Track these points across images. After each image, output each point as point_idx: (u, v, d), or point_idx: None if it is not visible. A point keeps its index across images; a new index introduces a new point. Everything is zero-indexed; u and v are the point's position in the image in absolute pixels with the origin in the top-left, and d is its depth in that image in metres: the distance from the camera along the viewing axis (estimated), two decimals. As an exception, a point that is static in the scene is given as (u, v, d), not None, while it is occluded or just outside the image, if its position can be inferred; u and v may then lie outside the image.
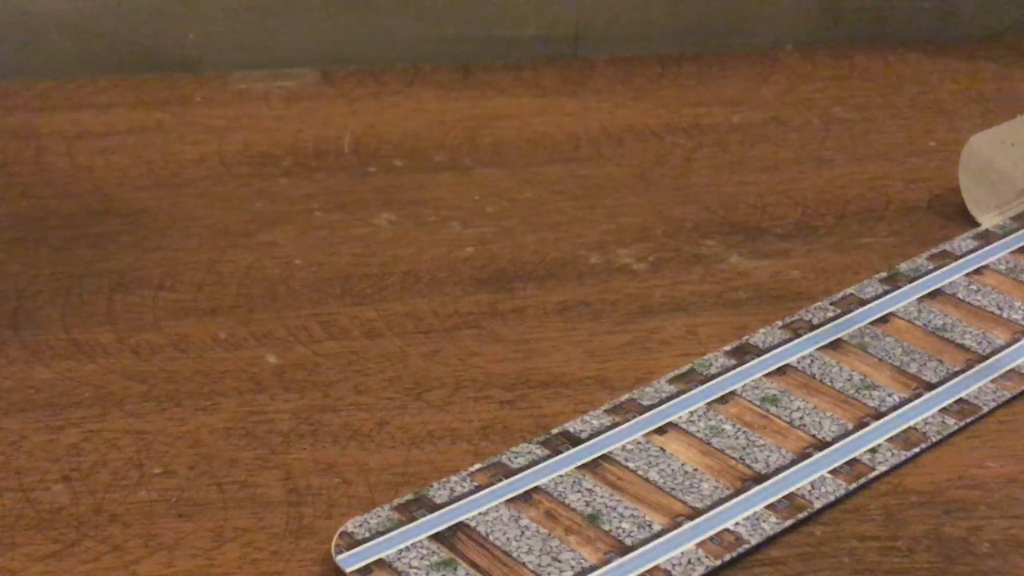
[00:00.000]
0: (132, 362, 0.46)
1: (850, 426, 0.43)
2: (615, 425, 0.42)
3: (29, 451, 0.42)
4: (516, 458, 0.41)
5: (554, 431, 0.42)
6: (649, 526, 0.38)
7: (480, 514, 0.39)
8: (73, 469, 0.41)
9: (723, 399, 0.44)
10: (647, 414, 0.43)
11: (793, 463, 0.41)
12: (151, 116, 0.65)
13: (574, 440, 0.42)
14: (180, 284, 0.51)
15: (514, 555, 0.37)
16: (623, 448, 0.41)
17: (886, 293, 0.50)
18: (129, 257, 0.53)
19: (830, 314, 0.48)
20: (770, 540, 0.39)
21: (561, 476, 0.40)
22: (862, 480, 0.40)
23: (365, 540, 0.38)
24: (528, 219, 0.56)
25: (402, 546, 0.37)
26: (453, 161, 0.61)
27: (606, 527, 0.38)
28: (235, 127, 0.64)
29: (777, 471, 0.40)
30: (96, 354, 0.47)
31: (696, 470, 0.40)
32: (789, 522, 0.39)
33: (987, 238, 0.54)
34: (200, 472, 0.41)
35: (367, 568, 0.37)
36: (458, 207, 0.57)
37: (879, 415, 0.43)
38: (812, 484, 0.40)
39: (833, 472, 0.41)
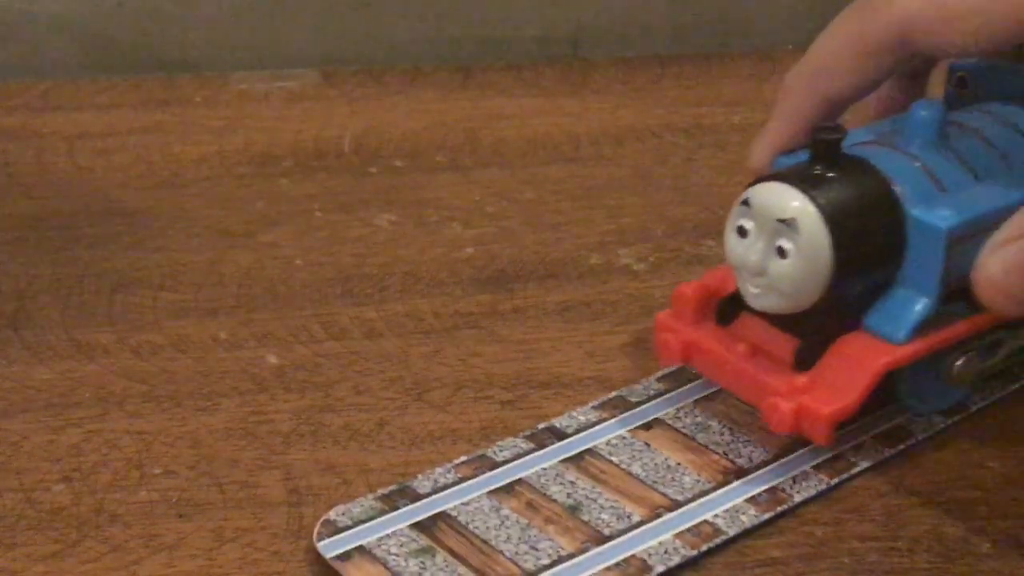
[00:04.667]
0: (133, 362, 0.46)
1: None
2: (601, 420, 0.42)
3: (30, 451, 0.42)
4: (501, 451, 0.41)
5: (540, 426, 0.42)
6: (628, 517, 0.38)
7: (462, 504, 0.39)
8: (74, 469, 0.41)
9: (711, 397, 0.44)
10: (634, 410, 0.43)
11: (776, 458, 0.41)
12: (151, 117, 0.65)
13: (560, 435, 0.42)
14: (180, 284, 0.51)
15: (492, 543, 0.37)
16: (608, 443, 0.41)
17: None
18: (130, 257, 0.53)
19: None
20: (769, 541, 0.39)
21: (544, 469, 0.40)
22: (843, 476, 0.41)
23: (347, 528, 0.38)
24: (528, 219, 0.56)
25: (383, 534, 0.38)
26: (453, 161, 0.62)
27: (585, 518, 0.38)
28: (235, 127, 0.64)
29: (759, 466, 0.41)
30: (97, 354, 0.47)
31: (679, 464, 0.40)
32: (767, 515, 0.39)
33: None
34: (200, 472, 0.41)
35: (347, 554, 0.37)
36: (458, 207, 0.57)
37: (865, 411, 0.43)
38: (793, 479, 0.40)
39: (816, 468, 0.41)
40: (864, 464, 0.41)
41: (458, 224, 0.56)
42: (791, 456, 0.41)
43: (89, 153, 0.61)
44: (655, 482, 0.40)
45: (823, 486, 0.40)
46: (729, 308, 0.42)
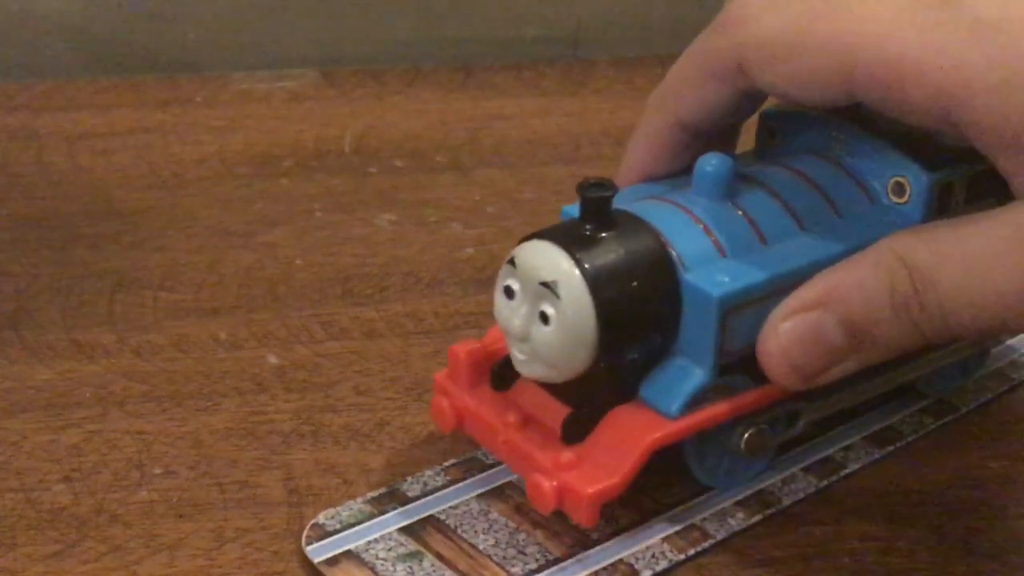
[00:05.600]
0: (133, 362, 0.46)
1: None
2: None
3: (30, 451, 0.42)
4: (491, 454, 0.41)
5: None
6: (616, 521, 0.38)
7: (451, 507, 0.39)
8: (74, 469, 0.41)
9: None
10: None
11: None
12: (152, 117, 0.65)
13: None
14: (181, 284, 0.51)
15: (480, 548, 0.37)
16: None
17: None
18: (130, 257, 0.53)
19: None
20: (769, 541, 0.39)
21: None
22: (832, 478, 0.41)
23: (336, 532, 0.38)
24: (529, 220, 0.56)
25: (371, 538, 0.37)
26: (454, 161, 0.62)
27: (574, 521, 0.38)
28: (236, 127, 0.64)
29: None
30: (97, 354, 0.47)
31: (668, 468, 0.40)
32: (756, 518, 0.39)
33: None
34: (201, 472, 0.41)
35: (335, 559, 0.37)
36: (459, 207, 0.57)
37: (856, 413, 0.43)
38: (783, 481, 0.40)
39: (804, 470, 0.41)
40: (853, 467, 0.41)
41: (458, 224, 0.56)
42: (780, 459, 0.41)
43: (89, 153, 0.61)
44: (645, 486, 0.40)
45: (812, 488, 0.40)
46: (505, 372, 0.38)
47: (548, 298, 0.35)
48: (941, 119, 0.33)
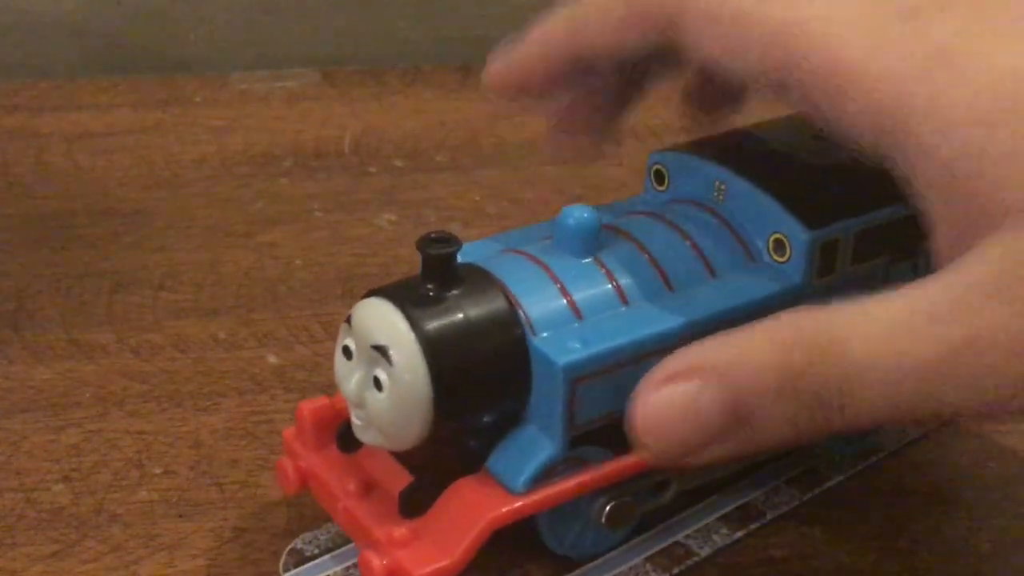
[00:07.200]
0: (132, 362, 0.46)
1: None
2: None
3: (29, 451, 0.42)
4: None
5: None
6: None
7: None
8: (74, 469, 0.41)
9: None
10: None
11: (746, 473, 0.40)
12: (151, 116, 0.65)
13: None
14: (180, 284, 0.51)
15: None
16: None
17: None
18: (129, 257, 0.53)
19: None
20: (769, 541, 0.39)
21: None
22: (816, 490, 0.40)
23: (314, 557, 0.37)
24: (529, 219, 0.56)
25: (349, 563, 0.37)
26: (454, 161, 0.62)
27: None
28: (235, 127, 0.64)
29: (731, 481, 0.39)
30: (96, 354, 0.47)
31: None
32: (739, 534, 0.38)
33: None
34: (200, 472, 0.41)
35: None
36: (459, 207, 0.57)
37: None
38: (765, 495, 0.40)
39: (788, 483, 0.40)
40: (837, 478, 0.41)
41: (458, 224, 0.56)
42: (760, 472, 0.40)
43: (89, 153, 0.61)
44: None
45: (795, 501, 0.40)
46: (350, 433, 0.35)
47: (381, 363, 0.32)
48: (875, 140, 0.30)
